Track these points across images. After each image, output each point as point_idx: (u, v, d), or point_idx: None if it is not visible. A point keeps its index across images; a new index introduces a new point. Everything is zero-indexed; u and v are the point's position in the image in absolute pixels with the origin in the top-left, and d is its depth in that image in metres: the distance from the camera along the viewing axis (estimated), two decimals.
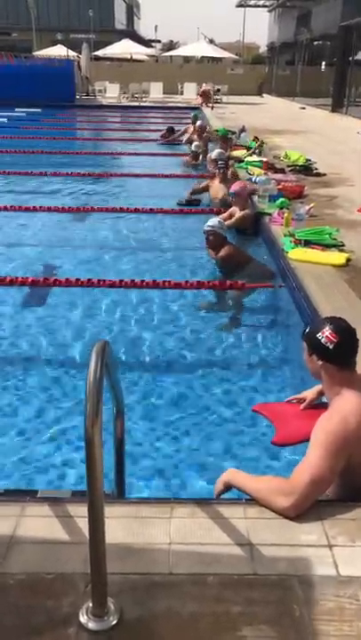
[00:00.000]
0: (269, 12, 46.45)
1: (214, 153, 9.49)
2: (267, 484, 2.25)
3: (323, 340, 2.38)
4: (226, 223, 6.47)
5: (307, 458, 2.22)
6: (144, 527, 2.11)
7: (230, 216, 6.80)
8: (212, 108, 23.15)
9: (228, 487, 2.35)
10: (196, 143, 11.62)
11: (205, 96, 12.17)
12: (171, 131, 14.81)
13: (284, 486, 2.19)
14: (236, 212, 6.77)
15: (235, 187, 6.88)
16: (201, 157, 11.04)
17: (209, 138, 12.90)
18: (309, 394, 2.80)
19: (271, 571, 1.95)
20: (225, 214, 6.90)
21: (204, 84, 12.97)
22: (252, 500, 2.25)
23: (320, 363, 2.41)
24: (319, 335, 2.40)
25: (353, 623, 1.76)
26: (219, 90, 22.23)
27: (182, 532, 2.09)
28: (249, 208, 6.86)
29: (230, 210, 6.93)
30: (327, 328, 2.40)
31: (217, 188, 8.05)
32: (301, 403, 2.80)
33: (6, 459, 2.85)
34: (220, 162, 8.34)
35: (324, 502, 2.26)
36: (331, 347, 2.37)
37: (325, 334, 2.39)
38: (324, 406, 2.51)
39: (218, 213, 7.23)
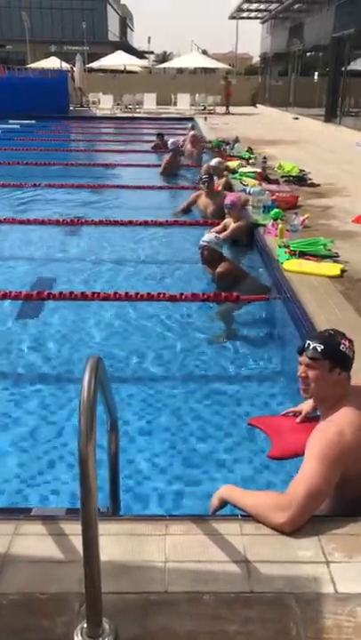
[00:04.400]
0: (262, 23, 46.79)
1: (213, 162, 9.56)
2: (263, 500, 2.23)
3: (347, 351, 2.38)
4: (220, 236, 6.50)
5: (302, 471, 2.20)
6: (139, 545, 2.09)
7: (225, 228, 6.83)
8: (206, 119, 23.27)
9: (223, 503, 2.33)
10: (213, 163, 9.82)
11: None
12: (161, 137, 14.81)
13: (280, 501, 2.17)
14: (231, 224, 6.79)
15: (229, 198, 6.91)
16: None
17: (203, 147, 12.92)
18: (306, 406, 2.79)
19: (268, 588, 1.93)
20: (219, 227, 6.91)
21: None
22: (248, 517, 2.23)
23: (342, 375, 2.39)
24: (342, 347, 2.38)
25: None
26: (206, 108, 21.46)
27: (178, 549, 2.07)
28: (243, 219, 6.88)
29: (225, 221, 6.94)
30: (342, 338, 2.42)
31: (205, 203, 8.07)
32: (298, 415, 2.79)
33: None
34: (203, 176, 8.35)
35: (320, 518, 2.25)
36: (352, 355, 2.40)
37: (346, 344, 2.40)
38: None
39: (212, 225, 7.25)
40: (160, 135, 14.93)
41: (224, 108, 28.41)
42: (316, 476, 2.15)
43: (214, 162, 9.48)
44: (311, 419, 2.69)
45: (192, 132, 13.50)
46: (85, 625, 1.73)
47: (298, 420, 2.77)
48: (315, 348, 2.40)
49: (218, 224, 7.07)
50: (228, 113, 27.39)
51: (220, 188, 8.50)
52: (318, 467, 2.16)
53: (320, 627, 1.79)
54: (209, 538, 2.12)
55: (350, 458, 2.21)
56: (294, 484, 2.19)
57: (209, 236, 5.67)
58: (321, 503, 2.21)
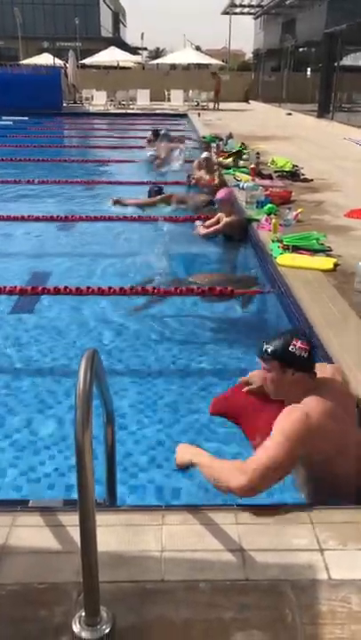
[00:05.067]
0: (255, 19, 46.76)
1: (202, 155, 9.61)
2: (227, 464, 2.33)
3: (297, 352, 2.48)
4: (212, 229, 6.56)
5: (267, 442, 2.29)
6: (136, 535, 2.12)
7: (218, 221, 6.87)
8: (200, 115, 23.26)
9: (188, 464, 2.43)
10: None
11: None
12: (156, 134, 14.74)
13: (242, 466, 2.25)
14: (223, 218, 6.83)
15: (219, 193, 6.96)
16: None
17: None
18: (257, 378, 2.83)
19: (263, 576, 1.96)
20: (213, 219, 6.96)
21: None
22: (244, 506, 2.26)
23: (296, 375, 2.50)
24: (292, 348, 2.49)
25: (345, 626, 1.77)
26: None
27: (174, 538, 2.10)
28: (235, 214, 6.90)
29: (218, 215, 6.98)
30: (295, 339, 2.51)
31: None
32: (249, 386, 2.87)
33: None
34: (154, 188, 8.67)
35: (314, 507, 2.28)
36: (306, 355, 2.49)
37: (298, 345, 2.49)
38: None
39: (206, 219, 7.30)
40: (156, 132, 14.91)
41: (215, 104, 28.40)
42: (280, 449, 2.24)
43: (203, 156, 9.49)
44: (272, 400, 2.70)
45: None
46: (83, 614, 1.75)
47: (246, 389, 2.85)
48: (266, 350, 2.55)
49: (210, 218, 7.12)
50: (217, 109, 27.36)
51: (216, 181, 8.71)
52: (282, 440, 2.25)
53: (315, 613, 1.82)
54: (205, 527, 2.15)
55: (315, 440, 2.30)
56: (258, 452, 2.27)
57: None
58: (280, 476, 2.29)
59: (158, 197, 7.95)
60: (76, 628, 1.74)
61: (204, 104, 28.93)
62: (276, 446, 2.24)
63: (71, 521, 2.11)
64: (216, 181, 8.86)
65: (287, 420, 2.31)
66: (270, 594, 1.89)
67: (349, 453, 2.40)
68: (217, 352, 4.39)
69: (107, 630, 1.73)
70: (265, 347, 2.55)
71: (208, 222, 6.91)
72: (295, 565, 2.00)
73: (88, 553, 1.69)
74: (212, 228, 6.87)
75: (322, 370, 2.74)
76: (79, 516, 1.65)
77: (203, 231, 6.95)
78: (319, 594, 1.89)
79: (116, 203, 8.34)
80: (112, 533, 2.11)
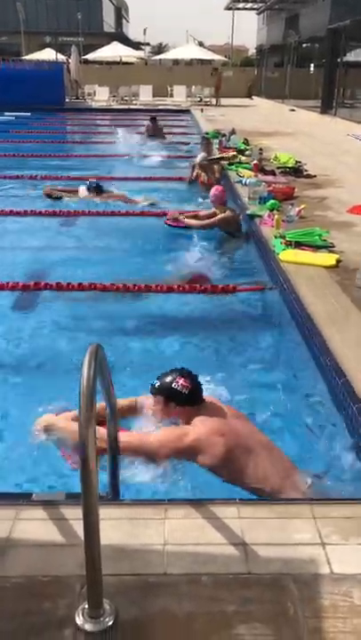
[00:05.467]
0: (258, 14, 46.60)
1: (198, 157, 9.57)
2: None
3: (179, 388, 2.82)
4: (206, 222, 6.62)
5: (147, 434, 2.77)
6: (139, 528, 2.13)
7: (213, 216, 6.92)
8: (202, 110, 23.22)
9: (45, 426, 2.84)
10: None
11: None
12: (154, 120, 14.97)
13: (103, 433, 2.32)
14: (218, 214, 6.87)
15: (212, 192, 7.03)
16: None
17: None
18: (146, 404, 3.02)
19: (265, 570, 1.96)
20: (209, 212, 7.01)
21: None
22: (247, 500, 2.27)
23: (178, 408, 2.83)
24: (174, 385, 2.82)
25: (346, 620, 1.78)
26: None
27: (177, 532, 2.11)
28: (229, 211, 6.91)
29: (213, 210, 7.01)
30: (178, 377, 2.85)
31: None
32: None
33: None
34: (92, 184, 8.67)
35: (316, 501, 2.29)
36: (186, 392, 2.82)
37: (180, 382, 2.83)
38: None
39: (204, 217, 7.30)
40: (153, 119, 15.11)
41: (214, 99, 28.35)
42: (147, 444, 2.70)
43: (199, 157, 9.46)
44: None
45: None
46: (86, 606, 1.76)
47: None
48: (153, 385, 2.91)
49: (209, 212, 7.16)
50: (218, 105, 27.29)
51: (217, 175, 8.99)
52: (155, 442, 2.71)
53: (317, 606, 1.83)
54: (207, 521, 2.16)
55: (199, 449, 2.67)
56: (133, 434, 2.80)
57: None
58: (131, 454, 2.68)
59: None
60: (79, 620, 1.75)
61: (207, 100, 28.86)
62: (147, 441, 2.71)
63: (74, 514, 2.12)
64: (217, 175, 8.91)
65: (170, 433, 2.77)
66: (273, 587, 1.90)
67: (256, 452, 2.71)
68: (218, 348, 4.39)
69: (110, 623, 1.74)
70: (154, 382, 2.91)
71: (203, 213, 7.00)
72: (297, 560, 2.01)
73: (91, 546, 1.70)
74: (204, 222, 6.91)
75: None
76: (83, 509, 1.66)
77: (189, 222, 6.96)
78: (321, 588, 1.90)
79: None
80: (115, 527, 2.12)
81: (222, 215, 6.84)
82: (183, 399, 2.82)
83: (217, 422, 2.77)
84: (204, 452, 2.68)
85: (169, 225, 7.08)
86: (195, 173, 9.38)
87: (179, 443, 2.71)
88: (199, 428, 2.74)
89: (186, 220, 7.02)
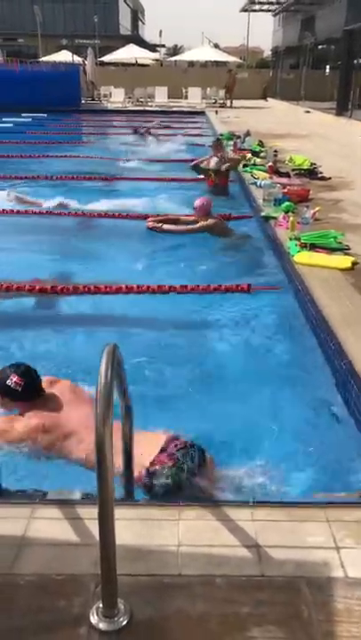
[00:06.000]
0: (274, 16, 46.58)
1: (212, 163, 9.51)
2: None
3: (12, 385, 2.92)
4: (186, 228, 6.59)
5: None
6: (153, 529, 2.13)
7: (195, 223, 6.88)
8: (217, 112, 23.22)
9: None
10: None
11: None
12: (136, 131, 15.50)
13: None
14: (200, 221, 6.84)
15: (196, 202, 6.97)
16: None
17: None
18: None
19: (279, 572, 1.96)
20: (191, 218, 6.97)
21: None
22: (260, 503, 2.27)
23: (14, 403, 2.95)
24: (8, 382, 2.92)
25: None
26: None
27: (191, 533, 2.11)
28: (211, 220, 6.87)
29: (196, 217, 6.94)
30: (12, 374, 2.93)
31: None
32: None
33: (16, 461, 2.88)
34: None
35: (331, 505, 2.28)
36: (19, 389, 2.92)
37: (13, 380, 2.92)
38: None
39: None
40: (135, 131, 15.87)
41: (227, 101, 28.33)
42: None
43: (213, 162, 9.43)
44: None
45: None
46: (101, 605, 1.77)
47: None
48: None
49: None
50: (231, 107, 27.25)
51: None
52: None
53: (331, 610, 1.83)
54: (221, 523, 2.16)
55: (38, 434, 2.83)
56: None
57: None
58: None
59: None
60: (93, 619, 1.76)
61: (222, 101, 28.85)
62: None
63: (89, 514, 2.14)
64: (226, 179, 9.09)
65: (7, 422, 2.92)
66: (286, 590, 1.90)
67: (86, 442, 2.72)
68: (232, 350, 4.39)
69: (124, 622, 1.75)
70: None
71: (184, 219, 6.99)
72: (311, 563, 2.00)
73: (106, 546, 1.71)
74: (184, 227, 6.85)
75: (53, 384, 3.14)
76: (98, 508, 1.68)
77: (168, 228, 6.93)
78: (335, 591, 1.89)
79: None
80: (129, 527, 2.13)
81: (204, 223, 6.76)
82: (17, 395, 2.94)
83: (44, 418, 2.88)
84: (30, 444, 2.84)
85: (150, 229, 7.02)
86: (208, 173, 9.33)
87: (6, 435, 2.88)
88: (25, 423, 2.89)
89: (165, 226, 6.95)
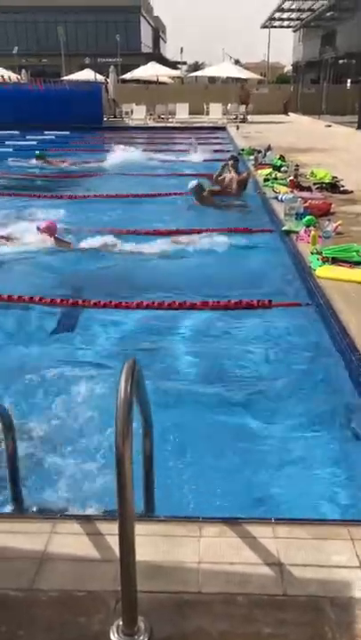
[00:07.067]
0: (294, 32, 46.82)
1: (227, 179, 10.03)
2: None
3: None
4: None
5: None
6: (173, 546, 2.12)
7: None
8: (238, 128, 23.34)
9: None
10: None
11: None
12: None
13: None
14: None
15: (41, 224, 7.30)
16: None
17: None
18: None
19: (302, 592, 1.93)
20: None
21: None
22: (282, 520, 2.24)
23: None
24: None
25: None
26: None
27: (212, 550, 2.09)
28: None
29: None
30: None
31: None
32: None
33: (38, 477, 2.89)
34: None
35: (354, 522, 2.24)
36: None
37: None
38: None
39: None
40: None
41: (245, 115, 28.47)
42: None
43: (227, 179, 9.99)
44: None
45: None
46: (121, 623, 1.76)
47: None
48: None
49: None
50: (246, 121, 27.38)
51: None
52: None
53: (356, 632, 1.79)
54: (242, 540, 2.14)
55: None
56: None
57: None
58: None
59: None
60: (113, 636, 1.75)
61: (242, 117, 28.98)
62: None
63: (109, 529, 2.13)
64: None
65: None
66: (309, 610, 1.86)
67: None
68: (254, 365, 4.37)
69: None
70: None
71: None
72: (334, 582, 1.97)
73: (127, 563, 1.71)
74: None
75: None
76: (119, 525, 1.67)
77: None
78: (359, 612, 1.85)
79: None
80: (150, 543, 2.12)
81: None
82: None
83: None
84: None
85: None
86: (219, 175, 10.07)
87: None
88: None
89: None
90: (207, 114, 29.79)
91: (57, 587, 1.95)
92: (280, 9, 36.49)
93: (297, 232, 6.66)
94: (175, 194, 10.31)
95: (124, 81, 34.71)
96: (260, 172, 11.05)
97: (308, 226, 6.72)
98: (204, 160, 14.52)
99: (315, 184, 9.88)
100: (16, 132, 20.69)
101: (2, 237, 7.46)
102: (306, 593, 1.92)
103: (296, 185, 9.41)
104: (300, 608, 1.87)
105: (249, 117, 28.46)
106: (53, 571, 2.02)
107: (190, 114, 29.42)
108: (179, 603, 1.89)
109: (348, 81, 31.65)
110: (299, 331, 4.88)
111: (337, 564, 2.04)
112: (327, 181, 10.02)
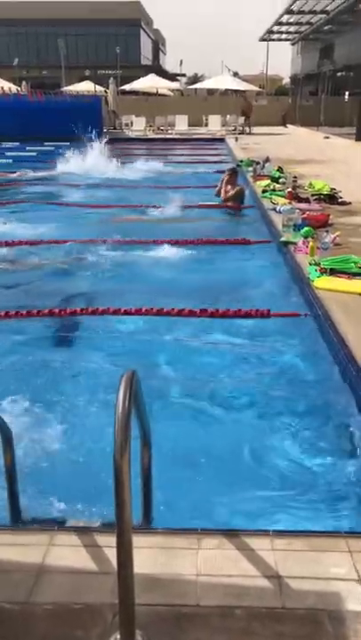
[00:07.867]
0: (292, 44, 47.21)
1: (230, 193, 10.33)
2: None
3: None
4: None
5: None
6: (171, 558, 2.11)
7: None
8: (237, 139, 23.48)
9: None
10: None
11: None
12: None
13: None
14: None
15: None
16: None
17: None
18: None
19: (300, 604, 1.93)
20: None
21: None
22: (280, 532, 2.23)
23: None
24: None
25: None
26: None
27: (210, 563, 2.09)
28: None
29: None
30: None
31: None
32: None
33: (34, 488, 2.88)
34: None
35: (352, 535, 2.24)
36: None
37: None
38: None
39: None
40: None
41: (246, 127, 28.69)
42: None
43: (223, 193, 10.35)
44: None
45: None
46: (119, 636, 1.75)
47: None
48: None
49: None
50: (250, 133, 27.59)
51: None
52: None
53: None
54: (240, 552, 2.13)
55: None
56: None
57: None
58: None
59: None
60: None
61: (241, 128, 29.18)
62: None
63: (107, 541, 2.13)
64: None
65: None
66: (307, 623, 1.86)
67: None
68: (252, 374, 4.37)
69: None
70: None
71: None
72: (333, 595, 1.96)
73: (125, 575, 1.70)
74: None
75: None
76: (117, 537, 1.67)
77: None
78: (358, 626, 1.85)
79: None
80: (148, 556, 2.11)
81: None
82: None
83: None
84: None
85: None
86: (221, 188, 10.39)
87: None
88: None
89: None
90: (206, 125, 30.01)
91: (54, 599, 1.95)
92: (279, 22, 36.81)
93: (295, 243, 6.68)
94: (175, 204, 10.36)
95: (124, 92, 34.96)
96: (258, 183, 11.10)
97: (306, 237, 6.74)
98: (204, 171, 14.62)
99: (313, 195, 9.92)
100: (16, 144, 20.82)
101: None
102: (304, 606, 1.92)
103: (294, 196, 9.45)
104: (298, 621, 1.86)
105: (247, 129, 28.63)
106: (51, 583, 2.01)
107: (189, 125, 29.63)
108: (177, 616, 1.88)
109: (347, 93, 31.89)
110: (297, 340, 4.89)
111: (335, 577, 2.03)
112: (325, 193, 10.06)
